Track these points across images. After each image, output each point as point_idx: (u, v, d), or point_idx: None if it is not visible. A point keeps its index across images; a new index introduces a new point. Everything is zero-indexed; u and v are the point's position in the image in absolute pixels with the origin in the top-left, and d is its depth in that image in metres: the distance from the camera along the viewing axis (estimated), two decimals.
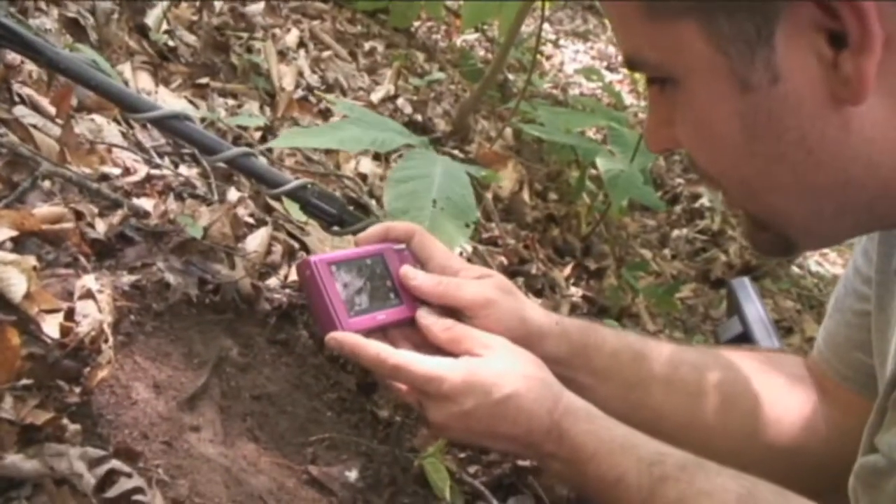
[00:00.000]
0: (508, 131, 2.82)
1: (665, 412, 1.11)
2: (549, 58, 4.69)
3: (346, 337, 0.98)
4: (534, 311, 1.08)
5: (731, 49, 0.74)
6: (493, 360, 0.98)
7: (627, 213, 3.10)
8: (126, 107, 1.32)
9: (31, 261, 1.01)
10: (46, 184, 1.23)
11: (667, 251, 3.39)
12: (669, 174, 4.01)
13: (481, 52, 3.67)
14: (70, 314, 0.99)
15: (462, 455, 1.33)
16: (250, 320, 1.30)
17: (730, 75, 0.75)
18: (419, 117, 2.57)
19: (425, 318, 1.04)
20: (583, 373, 1.09)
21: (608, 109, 2.98)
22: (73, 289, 1.05)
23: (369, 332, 1.00)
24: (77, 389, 0.97)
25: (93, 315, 1.00)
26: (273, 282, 1.38)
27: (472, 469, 1.31)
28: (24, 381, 0.90)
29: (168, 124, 1.32)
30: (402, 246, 1.07)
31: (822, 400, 1.12)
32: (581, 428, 0.96)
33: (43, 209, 1.14)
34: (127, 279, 1.17)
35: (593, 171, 2.66)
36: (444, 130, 2.58)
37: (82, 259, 1.12)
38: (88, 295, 1.03)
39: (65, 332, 0.96)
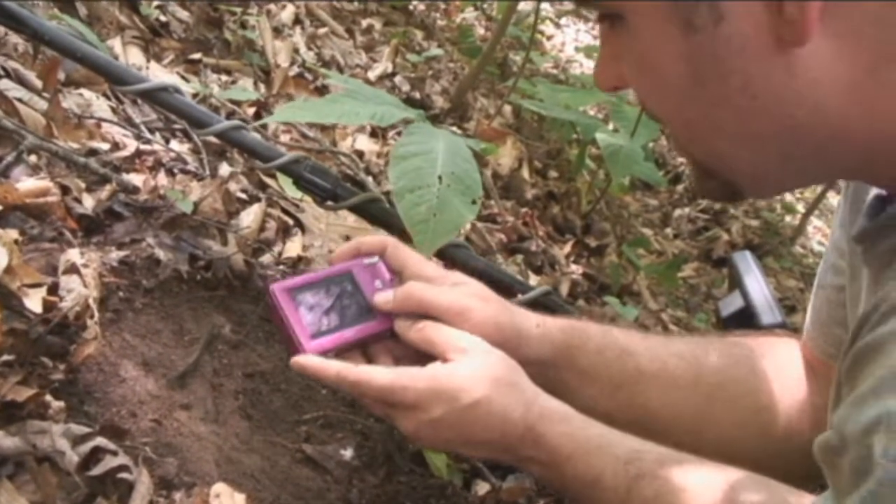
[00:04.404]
0: (508, 109, 2.79)
1: (654, 408, 1.09)
2: (549, 38, 4.64)
3: (308, 360, 0.96)
4: (512, 315, 1.05)
5: None
6: (461, 366, 0.95)
7: (629, 191, 3.07)
8: (114, 79, 1.29)
9: (13, 234, 0.98)
10: (32, 158, 1.21)
11: (669, 230, 3.36)
12: (671, 153, 3.98)
13: (481, 31, 3.63)
14: (54, 289, 0.97)
15: None
16: (243, 297, 1.27)
17: (674, 16, 0.73)
18: (417, 94, 2.54)
19: (399, 324, 1.02)
20: (569, 373, 1.07)
21: None
22: (57, 263, 1.02)
23: (342, 351, 0.99)
24: (62, 366, 0.94)
25: (77, 290, 0.97)
26: (266, 258, 1.35)
27: None
28: (6, 357, 0.88)
29: (157, 97, 1.29)
30: (375, 259, 1.06)
31: (812, 380, 1.10)
32: (557, 430, 0.94)
33: (27, 183, 1.12)
34: (115, 255, 1.14)
35: (594, 150, 2.62)
36: (443, 107, 2.55)
37: (68, 234, 1.09)
38: (73, 269, 1.00)
39: (48, 306, 0.93)
